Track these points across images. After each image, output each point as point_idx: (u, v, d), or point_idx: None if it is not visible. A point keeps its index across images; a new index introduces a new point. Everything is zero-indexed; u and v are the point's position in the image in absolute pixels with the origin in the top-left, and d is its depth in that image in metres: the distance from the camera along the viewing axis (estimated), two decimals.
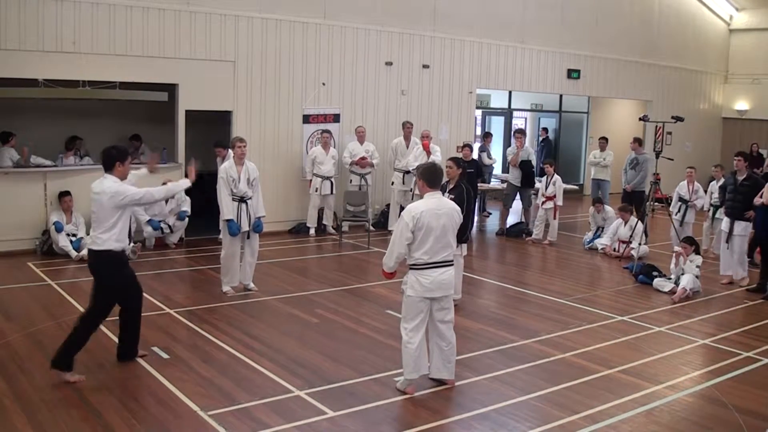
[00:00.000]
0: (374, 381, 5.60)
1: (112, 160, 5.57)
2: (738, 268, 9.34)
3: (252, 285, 8.27)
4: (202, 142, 11.04)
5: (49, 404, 5.00)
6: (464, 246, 7.54)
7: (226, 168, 7.94)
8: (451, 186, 7.25)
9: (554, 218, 12.00)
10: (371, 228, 11.86)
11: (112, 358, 5.95)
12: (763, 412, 5.26)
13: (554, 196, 11.90)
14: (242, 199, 7.94)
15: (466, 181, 7.39)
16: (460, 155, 12.08)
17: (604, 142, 14.32)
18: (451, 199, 6.28)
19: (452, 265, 5.41)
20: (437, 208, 5.26)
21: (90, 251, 5.63)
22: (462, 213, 5.68)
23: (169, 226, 10.60)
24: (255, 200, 8.05)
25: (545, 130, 18.13)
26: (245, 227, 7.98)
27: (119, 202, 5.47)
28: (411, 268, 5.35)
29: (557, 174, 12.11)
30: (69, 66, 9.91)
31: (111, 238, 5.48)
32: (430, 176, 5.38)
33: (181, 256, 10.22)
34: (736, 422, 5.05)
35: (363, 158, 12.05)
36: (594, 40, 16.47)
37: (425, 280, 5.27)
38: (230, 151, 8.32)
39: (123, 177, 5.66)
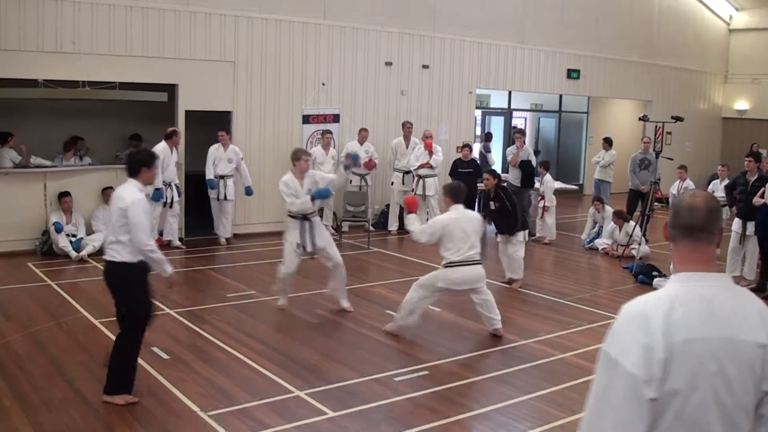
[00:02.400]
0: (374, 381, 5.60)
1: (138, 164, 5.15)
2: (752, 268, 9.32)
3: (346, 304, 7.52)
4: (202, 143, 11.04)
5: (49, 404, 5.00)
6: (522, 233, 8.79)
7: (286, 182, 7.37)
8: (492, 194, 8.65)
9: (540, 217, 12.00)
10: (371, 228, 11.86)
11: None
12: None
13: (543, 196, 11.92)
14: (305, 217, 7.33)
15: (463, 181, 8.06)
16: (466, 157, 12.16)
17: (606, 144, 14.29)
18: (497, 206, 8.56)
19: (480, 263, 6.62)
20: (460, 218, 6.57)
21: (106, 262, 5.18)
22: (511, 210, 8.42)
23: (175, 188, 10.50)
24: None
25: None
26: (309, 248, 7.32)
27: (126, 216, 4.94)
28: (444, 267, 6.54)
29: (549, 173, 12.15)
30: (69, 66, 9.91)
31: (126, 250, 5.04)
32: (454, 193, 6.70)
33: (181, 256, 10.22)
34: None
35: (370, 160, 12.06)
36: (594, 40, 16.47)
37: (454, 276, 6.48)
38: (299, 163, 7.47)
39: (149, 182, 5.35)
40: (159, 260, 5.07)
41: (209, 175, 10.86)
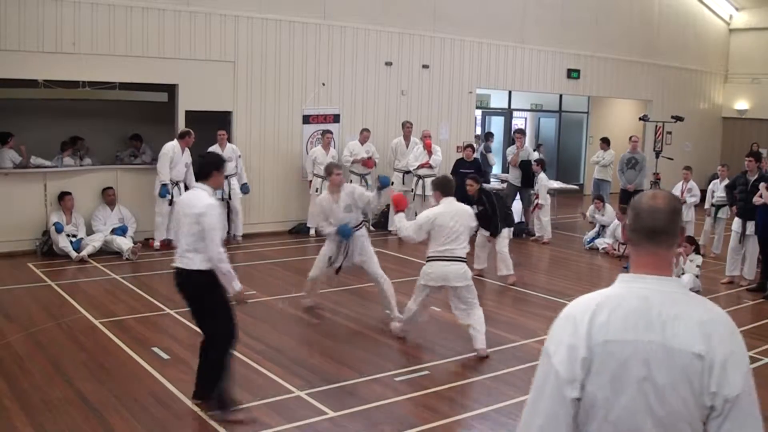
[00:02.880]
0: (374, 381, 5.60)
1: (209, 168, 4.95)
2: (752, 268, 9.33)
3: (395, 326, 6.84)
4: (202, 143, 11.03)
5: (49, 404, 5.00)
6: (507, 230, 9.18)
7: (319, 203, 7.26)
8: (476, 198, 8.83)
9: (532, 211, 12.02)
10: (371, 228, 11.85)
11: (112, 358, 5.95)
12: (764, 411, 5.24)
13: (537, 194, 11.95)
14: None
15: (466, 183, 8.33)
16: (460, 156, 12.15)
17: (604, 144, 14.30)
18: (481, 209, 8.64)
19: (462, 261, 6.19)
20: (449, 212, 6.20)
21: (181, 271, 4.96)
22: (491, 213, 8.82)
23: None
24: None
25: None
26: (340, 263, 7.15)
27: (199, 222, 4.76)
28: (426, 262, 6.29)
29: (544, 173, 12.16)
30: (69, 66, 9.92)
31: (202, 258, 4.84)
32: (442, 186, 6.37)
33: None
34: None
35: (370, 158, 12.05)
36: (594, 40, 16.47)
37: (429, 270, 6.20)
38: (330, 179, 7.24)
39: (218, 186, 5.18)
40: (228, 273, 4.79)
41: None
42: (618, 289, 1.98)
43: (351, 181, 12.07)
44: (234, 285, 4.85)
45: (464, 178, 12.47)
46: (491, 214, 8.94)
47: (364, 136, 12.19)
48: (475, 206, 8.46)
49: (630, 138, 13.18)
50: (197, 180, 5.06)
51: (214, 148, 10.87)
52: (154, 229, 10.44)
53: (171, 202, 10.15)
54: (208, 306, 4.89)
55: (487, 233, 9.24)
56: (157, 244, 10.36)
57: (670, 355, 1.83)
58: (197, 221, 4.73)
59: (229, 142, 11.11)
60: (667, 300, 1.91)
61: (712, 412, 1.82)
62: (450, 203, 6.28)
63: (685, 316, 1.87)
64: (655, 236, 1.98)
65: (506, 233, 9.17)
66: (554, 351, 1.93)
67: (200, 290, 4.86)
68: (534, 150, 14.20)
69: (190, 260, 4.82)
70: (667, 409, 1.82)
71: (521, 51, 15.17)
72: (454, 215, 6.18)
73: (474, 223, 6.45)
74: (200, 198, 4.83)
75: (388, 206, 12.82)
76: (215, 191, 5.09)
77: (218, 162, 5.05)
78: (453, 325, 7.21)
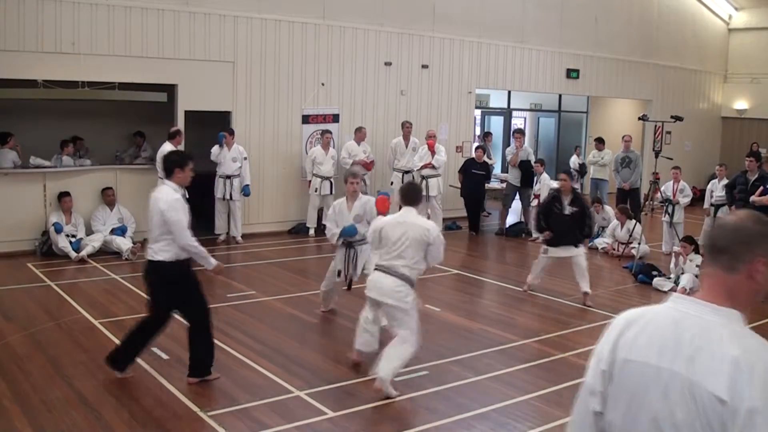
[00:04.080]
0: (374, 381, 5.59)
1: (171, 166, 5.33)
2: None
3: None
4: (202, 143, 11.03)
5: (49, 404, 5.00)
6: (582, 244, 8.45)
7: (335, 205, 7.10)
8: (569, 198, 8.21)
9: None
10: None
11: None
12: None
13: (539, 194, 11.96)
14: (350, 244, 6.95)
15: (475, 182, 7.82)
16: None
17: (600, 144, 14.29)
18: (574, 211, 8.13)
19: (399, 277, 5.40)
20: (401, 223, 5.48)
21: (150, 262, 5.34)
22: (586, 219, 8.10)
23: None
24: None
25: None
26: (347, 276, 7.01)
27: (164, 217, 5.17)
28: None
29: (546, 173, 12.19)
30: (68, 67, 9.91)
31: (171, 247, 5.24)
32: (403, 194, 5.77)
33: None
34: None
35: (371, 161, 12.05)
36: (593, 40, 16.47)
37: (368, 279, 5.66)
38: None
39: (183, 184, 5.44)
40: (201, 253, 5.34)
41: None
42: (659, 307, 1.84)
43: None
44: (209, 262, 5.43)
45: (474, 179, 12.63)
46: (583, 217, 8.23)
47: (360, 135, 12.17)
48: (569, 207, 8.19)
49: (623, 138, 13.21)
50: (165, 177, 5.45)
51: (216, 149, 10.88)
52: None
53: None
54: (182, 293, 5.38)
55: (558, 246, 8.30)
56: None
57: (692, 392, 1.64)
58: (162, 216, 5.16)
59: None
60: (703, 330, 1.69)
61: None
62: (406, 214, 5.56)
63: (716, 352, 1.64)
64: (714, 254, 1.78)
65: (583, 247, 8.45)
66: (593, 359, 1.88)
67: (164, 280, 5.32)
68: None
69: (156, 252, 5.25)
70: None
71: (521, 51, 15.17)
72: (404, 227, 5.41)
73: (426, 240, 5.41)
74: (165, 193, 5.24)
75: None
76: (181, 187, 5.44)
77: (180, 161, 5.37)
78: (453, 326, 7.22)
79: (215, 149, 10.92)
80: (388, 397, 5.22)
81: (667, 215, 11.21)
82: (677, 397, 1.65)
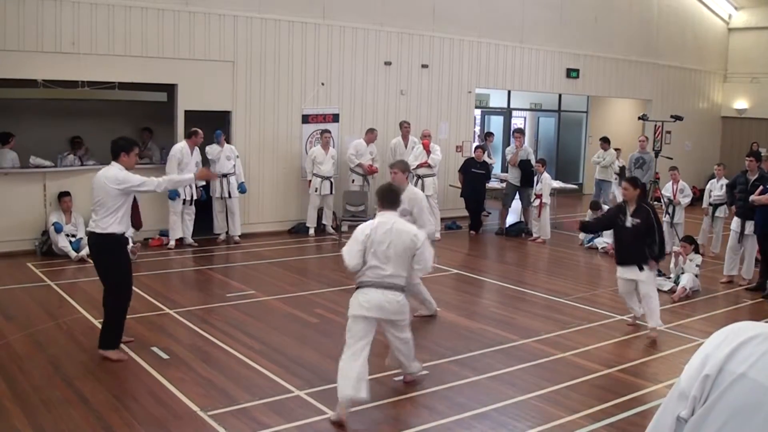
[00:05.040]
0: (374, 381, 5.58)
1: (118, 150, 5.89)
2: (750, 268, 9.32)
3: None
4: (202, 143, 11.02)
5: (49, 404, 5.00)
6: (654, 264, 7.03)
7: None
8: (633, 208, 6.92)
9: (538, 216, 12.01)
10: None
11: None
12: None
13: (541, 194, 11.95)
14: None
15: (474, 181, 7.43)
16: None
17: (605, 143, 14.28)
18: (636, 223, 6.79)
19: (398, 289, 5.04)
20: (386, 229, 5.01)
21: (92, 234, 5.88)
22: (653, 234, 6.71)
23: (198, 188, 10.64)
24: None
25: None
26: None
27: (122, 189, 5.75)
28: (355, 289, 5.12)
29: (547, 173, 12.17)
30: (68, 66, 9.91)
31: (114, 222, 5.79)
32: (380, 195, 5.28)
33: (181, 256, 10.22)
34: None
35: (375, 167, 12.09)
36: (593, 40, 16.47)
37: (363, 298, 4.98)
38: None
39: (128, 167, 5.92)
40: (177, 178, 6.30)
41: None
42: None
43: (353, 181, 12.07)
44: (189, 177, 6.45)
45: (474, 178, 12.62)
46: (648, 231, 6.85)
47: (371, 136, 12.15)
48: (630, 218, 6.89)
49: (639, 138, 13.27)
50: (112, 159, 5.92)
51: (214, 148, 10.89)
52: (168, 228, 10.61)
53: (184, 201, 10.50)
54: (110, 264, 5.90)
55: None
56: (172, 243, 10.53)
57: None
58: (114, 183, 5.70)
59: (227, 142, 11.11)
60: None
61: None
62: (388, 217, 5.12)
63: None
64: None
65: (654, 272, 7.09)
66: (690, 361, 1.63)
67: (102, 250, 5.88)
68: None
69: (108, 225, 5.76)
70: None
71: (520, 50, 15.17)
72: (388, 234, 4.99)
73: (413, 246, 5.02)
74: (113, 172, 5.78)
75: None
76: (128, 169, 5.93)
77: (126, 146, 5.92)
78: (453, 326, 7.22)
79: (213, 147, 10.92)
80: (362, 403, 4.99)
81: (667, 216, 11.20)
82: None
